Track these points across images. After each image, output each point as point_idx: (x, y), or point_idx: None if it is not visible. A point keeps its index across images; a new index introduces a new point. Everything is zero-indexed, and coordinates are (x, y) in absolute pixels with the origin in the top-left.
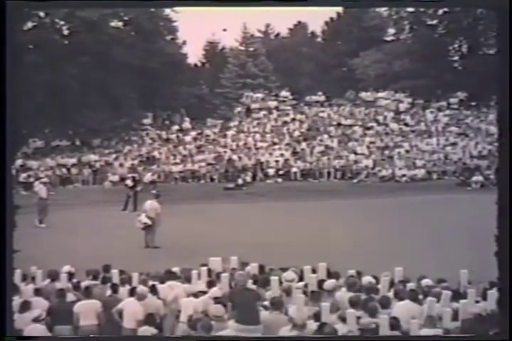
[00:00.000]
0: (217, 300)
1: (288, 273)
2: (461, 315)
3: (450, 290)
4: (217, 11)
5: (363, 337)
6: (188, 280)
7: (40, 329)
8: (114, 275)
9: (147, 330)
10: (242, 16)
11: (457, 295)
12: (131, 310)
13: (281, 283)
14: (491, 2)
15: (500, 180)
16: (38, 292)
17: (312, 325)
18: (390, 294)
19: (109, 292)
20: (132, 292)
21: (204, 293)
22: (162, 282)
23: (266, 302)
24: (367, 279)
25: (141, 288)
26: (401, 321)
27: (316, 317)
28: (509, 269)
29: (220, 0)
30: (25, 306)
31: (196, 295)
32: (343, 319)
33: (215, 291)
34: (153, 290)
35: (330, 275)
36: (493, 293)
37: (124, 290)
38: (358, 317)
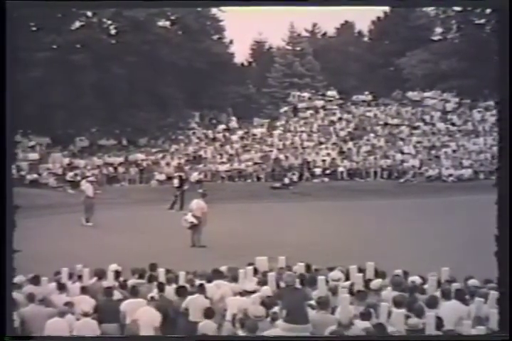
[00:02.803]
0: (264, 299)
1: (334, 273)
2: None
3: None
4: (264, 10)
5: (366, 336)
6: (234, 279)
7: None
8: (161, 274)
9: (208, 324)
10: (289, 15)
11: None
12: (147, 318)
13: (327, 282)
14: (491, 2)
15: (501, 180)
16: (84, 290)
17: (360, 324)
18: (437, 294)
19: (155, 291)
20: (178, 291)
21: (251, 292)
22: (209, 281)
23: (312, 302)
24: (412, 279)
25: (158, 294)
26: (448, 321)
27: (364, 316)
28: (509, 269)
29: None
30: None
31: (242, 294)
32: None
33: (266, 290)
34: (201, 289)
35: (376, 274)
36: None
37: (170, 289)
38: (406, 317)
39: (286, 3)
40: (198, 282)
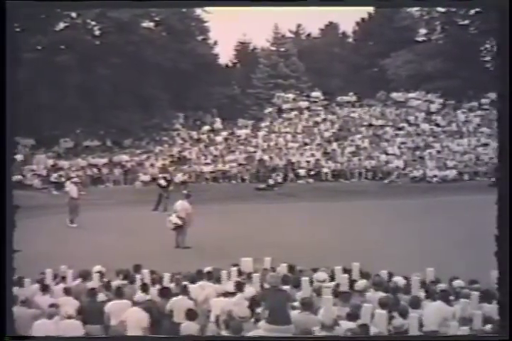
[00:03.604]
0: (248, 300)
1: (319, 274)
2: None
3: (480, 292)
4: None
5: (364, 337)
6: (219, 280)
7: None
8: (145, 275)
9: (190, 325)
10: (273, 16)
11: (488, 297)
12: (135, 318)
13: (312, 283)
14: (491, 2)
15: (501, 180)
16: (68, 291)
17: (345, 325)
18: (421, 294)
19: (139, 292)
20: (162, 292)
21: (234, 293)
22: (193, 282)
23: (296, 303)
24: (395, 279)
25: (141, 296)
26: (432, 322)
27: (349, 317)
28: (509, 269)
29: (252, 0)
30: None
31: (226, 295)
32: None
33: (250, 291)
34: (185, 290)
35: (361, 275)
36: None
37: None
38: (391, 318)
39: (271, 4)
40: (181, 283)
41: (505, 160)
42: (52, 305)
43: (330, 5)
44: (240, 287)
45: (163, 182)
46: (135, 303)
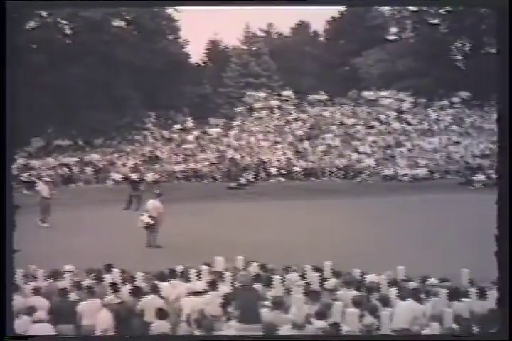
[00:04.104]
0: (220, 299)
1: (291, 274)
2: (462, 315)
3: (450, 290)
4: (219, 10)
5: (364, 336)
6: (191, 279)
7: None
8: (115, 274)
9: (161, 325)
10: (244, 15)
11: (458, 295)
12: (100, 320)
13: (284, 282)
14: (491, 2)
15: (501, 180)
16: (37, 291)
17: (317, 324)
18: (393, 293)
19: (109, 291)
20: (133, 291)
21: (205, 292)
22: (164, 281)
23: (268, 302)
24: (368, 278)
25: (110, 298)
26: (403, 320)
27: (318, 315)
28: (509, 269)
29: None
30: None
31: (195, 294)
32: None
33: (222, 290)
34: (155, 289)
35: (332, 274)
36: (494, 293)
37: (125, 289)
38: (361, 317)
39: (242, 3)
40: (152, 282)
41: (505, 160)
42: (25, 306)
43: (301, 4)
44: (213, 286)
45: (133, 181)
46: (104, 305)
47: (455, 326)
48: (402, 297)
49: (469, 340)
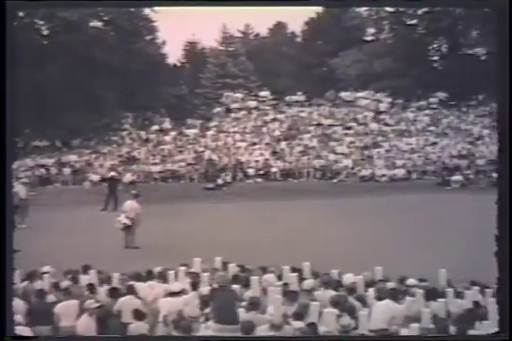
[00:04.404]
0: (199, 300)
1: (268, 274)
2: (439, 315)
3: (427, 290)
4: (196, 10)
5: (361, 337)
6: (168, 280)
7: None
8: (92, 275)
9: (139, 326)
10: (221, 16)
11: (436, 295)
12: (81, 325)
13: (261, 282)
14: (490, 2)
15: (501, 180)
16: (15, 293)
17: (294, 324)
18: (370, 293)
19: (86, 292)
20: (110, 292)
21: (183, 293)
22: (142, 282)
23: (245, 303)
24: (346, 278)
25: (90, 302)
26: (381, 320)
27: (296, 316)
28: (509, 269)
29: None
30: None
31: (173, 295)
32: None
33: (200, 291)
34: (132, 290)
35: (309, 274)
36: (472, 293)
37: (102, 290)
38: (338, 317)
39: (219, 4)
40: (129, 283)
41: (505, 160)
42: None
43: (278, 5)
44: (192, 287)
45: (111, 182)
46: (84, 310)
47: (432, 326)
48: (379, 297)
49: (469, 340)
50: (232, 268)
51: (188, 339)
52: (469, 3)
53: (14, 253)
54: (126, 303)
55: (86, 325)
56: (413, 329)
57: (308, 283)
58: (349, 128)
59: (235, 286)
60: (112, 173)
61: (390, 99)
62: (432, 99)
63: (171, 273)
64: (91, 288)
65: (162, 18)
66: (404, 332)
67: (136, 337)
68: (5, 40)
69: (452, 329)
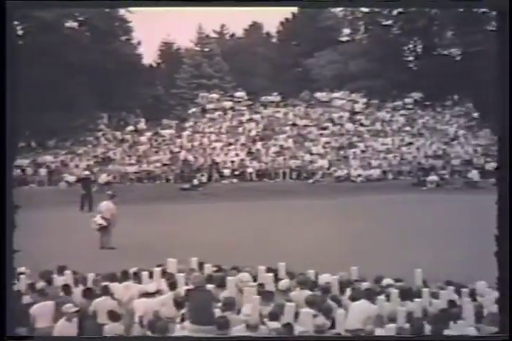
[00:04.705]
0: (175, 300)
1: (243, 274)
2: (415, 314)
3: (403, 290)
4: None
5: (360, 337)
6: (143, 281)
7: None
8: (68, 276)
9: (114, 327)
10: (196, 17)
11: (410, 295)
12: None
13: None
14: (491, 2)
15: (501, 180)
16: None
17: (269, 325)
18: (347, 293)
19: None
20: (85, 293)
21: (158, 293)
22: (118, 283)
23: (220, 303)
24: (322, 279)
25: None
26: (357, 320)
27: (271, 316)
28: (509, 269)
29: (175, 0)
30: None
31: (149, 295)
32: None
33: (176, 292)
34: (106, 290)
35: (285, 275)
36: (446, 293)
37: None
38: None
39: (194, 4)
40: (103, 283)
41: (505, 160)
42: None
43: (253, 5)
44: (169, 287)
45: (86, 182)
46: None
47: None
48: (354, 297)
49: (469, 340)
50: (208, 269)
51: (179, 339)
52: (469, 3)
53: (14, 253)
54: (101, 304)
55: (64, 329)
56: (389, 329)
57: (284, 283)
58: (324, 128)
59: (211, 286)
60: (85, 173)
61: (365, 100)
62: (407, 100)
63: (145, 273)
64: (66, 289)
65: (137, 18)
66: (379, 331)
67: (138, 338)
68: (5, 40)
69: (428, 329)
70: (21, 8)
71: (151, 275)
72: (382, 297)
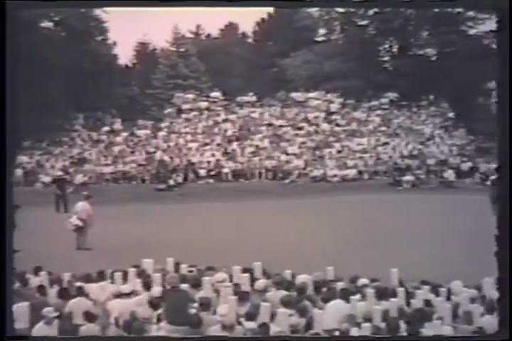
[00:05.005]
0: (149, 301)
1: (219, 274)
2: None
3: (379, 290)
4: (147, 11)
5: (361, 337)
6: (120, 281)
7: None
8: (43, 277)
9: (90, 327)
10: (172, 17)
11: (386, 294)
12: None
13: (213, 283)
14: (491, 2)
15: (501, 180)
16: None
17: (246, 325)
18: (323, 293)
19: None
20: (61, 293)
21: (134, 294)
22: (94, 283)
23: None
24: (298, 279)
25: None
26: (333, 320)
27: (248, 316)
28: (509, 269)
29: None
30: None
31: (124, 296)
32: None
33: (153, 292)
34: (81, 291)
35: (262, 275)
36: (422, 292)
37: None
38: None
39: (170, 4)
40: (79, 284)
41: (505, 160)
42: None
43: (229, 5)
44: (145, 287)
45: (62, 183)
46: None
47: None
48: (330, 297)
49: (469, 340)
50: (184, 269)
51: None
52: (469, 3)
53: (14, 253)
54: (76, 305)
55: (43, 332)
56: (364, 329)
57: (260, 283)
58: (300, 128)
59: (186, 286)
60: (59, 173)
61: (341, 100)
62: (383, 100)
63: (118, 274)
64: (41, 290)
65: (113, 18)
66: (354, 331)
67: (139, 338)
68: (5, 40)
69: (404, 328)
70: (21, 8)
71: (126, 276)
72: (356, 296)
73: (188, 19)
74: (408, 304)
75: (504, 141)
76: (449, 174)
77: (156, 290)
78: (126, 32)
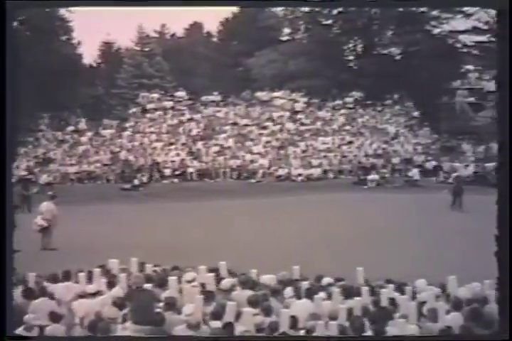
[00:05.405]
0: (113, 301)
1: (188, 274)
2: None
3: (344, 288)
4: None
5: (359, 337)
6: (86, 281)
7: None
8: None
9: (55, 328)
10: (137, 16)
11: (351, 293)
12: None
13: (178, 282)
14: (491, 2)
15: (501, 180)
16: None
17: (213, 324)
18: (289, 293)
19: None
20: (25, 293)
21: (99, 294)
22: (59, 283)
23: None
24: (264, 278)
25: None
26: (299, 320)
27: (213, 316)
28: (509, 269)
29: None
30: None
31: (89, 296)
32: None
33: (117, 292)
34: (46, 291)
35: (227, 274)
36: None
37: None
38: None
39: (135, 4)
40: (43, 284)
41: (505, 160)
42: None
43: (194, 5)
44: (109, 287)
45: (26, 183)
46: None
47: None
48: (297, 296)
49: (470, 340)
50: (149, 269)
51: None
52: (469, 3)
53: (14, 253)
54: (40, 305)
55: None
56: (330, 327)
57: (226, 282)
58: (265, 127)
59: (151, 286)
60: (22, 173)
61: (305, 99)
62: (347, 99)
63: (82, 274)
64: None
65: (77, 17)
66: (320, 329)
67: (144, 338)
68: (5, 40)
69: (368, 327)
70: (21, 8)
71: (91, 276)
72: (320, 295)
73: (153, 18)
74: (375, 303)
75: (504, 140)
76: (414, 173)
77: (121, 290)
78: (91, 31)
